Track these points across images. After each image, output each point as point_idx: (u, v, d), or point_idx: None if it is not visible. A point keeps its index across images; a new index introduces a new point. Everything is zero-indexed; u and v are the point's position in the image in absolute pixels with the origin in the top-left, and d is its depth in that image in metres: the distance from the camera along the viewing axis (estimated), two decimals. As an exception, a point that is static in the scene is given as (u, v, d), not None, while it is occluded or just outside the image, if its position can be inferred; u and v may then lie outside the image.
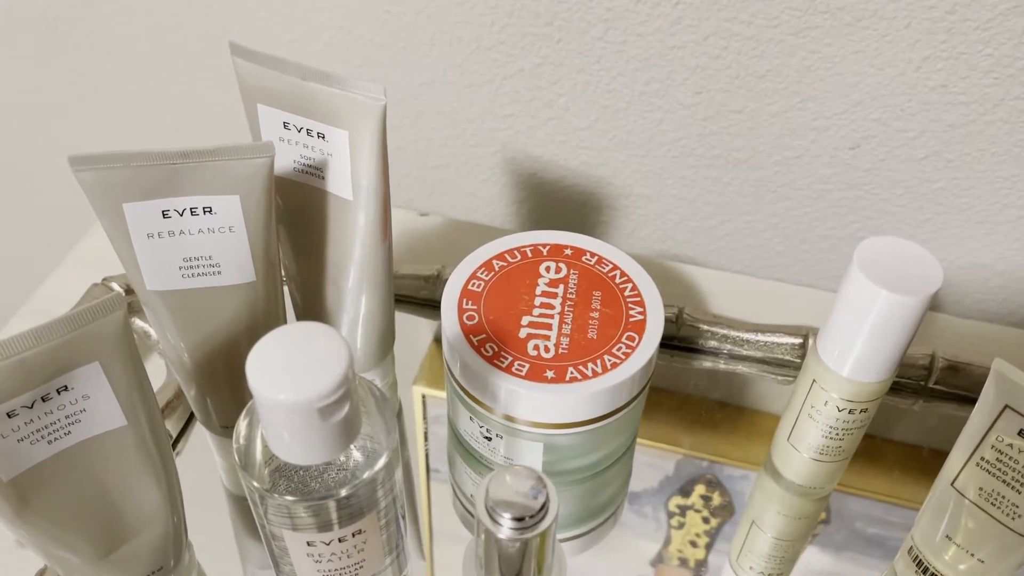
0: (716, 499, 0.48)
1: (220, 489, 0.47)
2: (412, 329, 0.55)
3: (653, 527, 0.47)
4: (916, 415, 0.51)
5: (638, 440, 0.48)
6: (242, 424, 0.31)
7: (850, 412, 0.39)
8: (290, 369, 0.28)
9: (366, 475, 0.32)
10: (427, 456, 0.50)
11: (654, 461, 0.50)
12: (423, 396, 0.53)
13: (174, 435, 0.47)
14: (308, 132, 0.37)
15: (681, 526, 0.47)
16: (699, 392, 0.53)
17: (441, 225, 0.63)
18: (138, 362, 0.32)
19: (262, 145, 0.34)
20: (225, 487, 0.47)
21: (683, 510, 0.48)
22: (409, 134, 0.62)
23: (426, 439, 0.51)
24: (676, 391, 0.53)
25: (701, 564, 0.46)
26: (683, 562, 0.46)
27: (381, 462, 0.32)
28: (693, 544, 0.46)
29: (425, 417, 0.52)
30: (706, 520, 0.47)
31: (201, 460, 0.47)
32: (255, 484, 0.31)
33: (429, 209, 0.67)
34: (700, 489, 0.49)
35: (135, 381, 0.32)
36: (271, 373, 0.28)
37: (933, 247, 0.58)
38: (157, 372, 0.50)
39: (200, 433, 0.47)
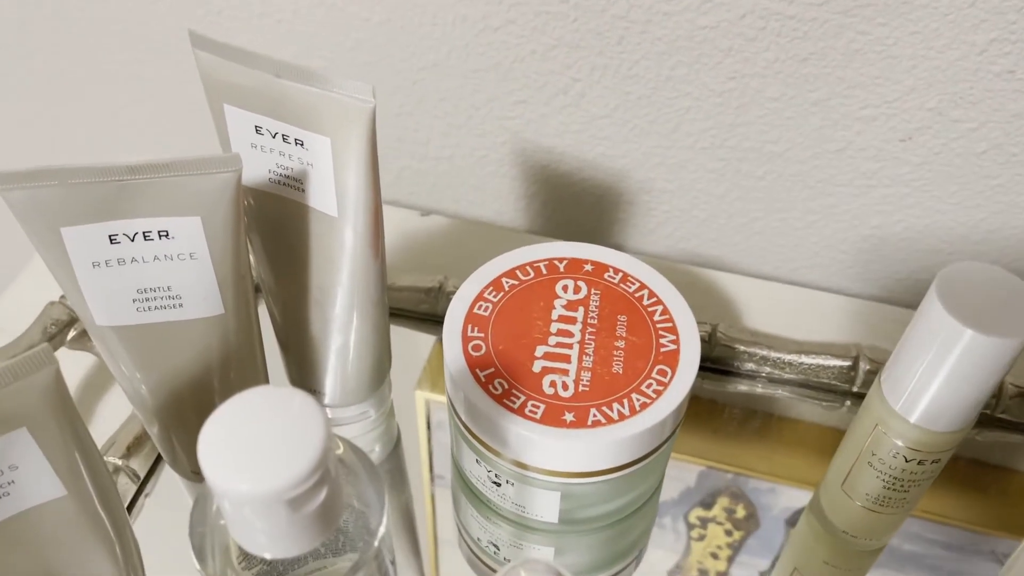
0: (740, 512, 0.44)
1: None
2: (411, 345, 0.50)
3: (672, 538, 0.43)
4: (978, 444, 0.46)
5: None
6: (196, 508, 0.26)
7: (919, 463, 0.34)
8: (253, 450, 0.22)
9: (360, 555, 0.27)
10: (431, 463, 0.46)
11: (674, 472, 0.46)
12: (427, 401, 0.48)
13: (143, 474, 0.42)
14: (284, 138, 0.32)
15: (702, 538, 0.43)
16: (722, 403, 0.48)
17: (444, 226, 0.57)
18: (76, 421, 0.27)
19: (227, 158, 0.29)
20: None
21: (704, 522, 0.44)
22: (408, 122, 0.57)
23: (430, 455, 0.46)
24: (698, 398, 0.48)
25: (722, 576, 0.42)
26: (703, 574, 0.42)
27: (371, 550, 0.27)
28: (714, 556, 0.42)
29: (429, 425, 0.47)
30: (728, 533, 0.43)
31: (175, 500, 0.42)
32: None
33: (430, 204, 0.61)
34: (723, 502, 0.45)
35: (74, 444, 0.27)
36: (229, 456, 0.22)
37: (987, 250, 0.53)
38: (125, 400, 0.44)
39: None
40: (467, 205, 0.61)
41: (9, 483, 0.26)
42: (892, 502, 0.36)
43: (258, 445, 0.22)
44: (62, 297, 0.48)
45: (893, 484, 0.35)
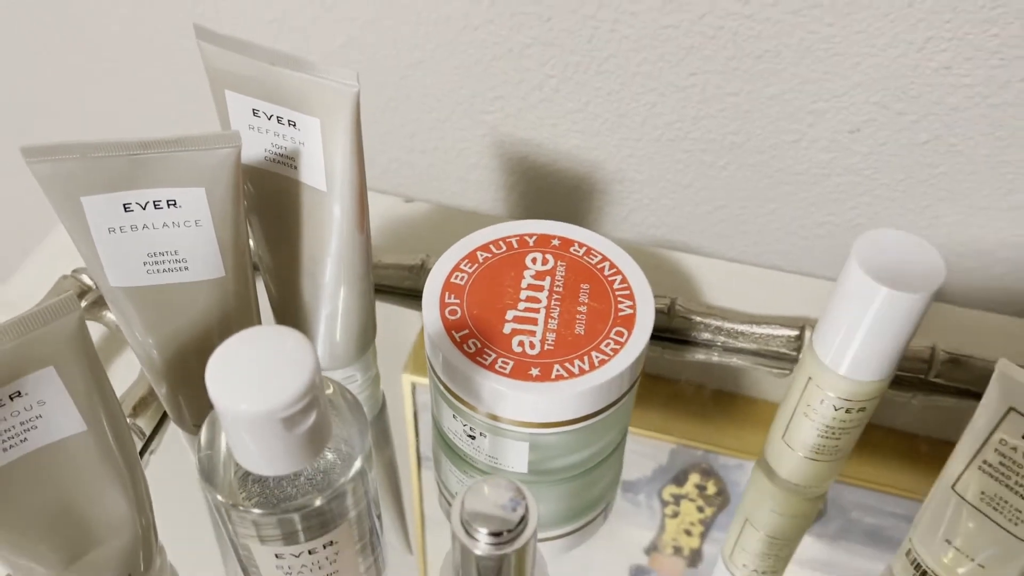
0: (711, 488, 0.47)
1: (197, 487, 0.45)
2: (396, 319, 0.54)
3: (647, 516, 0.46)
4: (915, 408, 0.49)
5: (631, 429, 0.47)
6: (205, 432, 0.30)
7: (847, 411, 0.38)
8: (252, 376, 0.26)
9: (340, 481, 0.30)
10: (417, 444, 0.49)
11: (647, 450, 0.48)
12: (412, 384, 0.51)
13: (148, 432, 0.46)
14: (279, 120, 0.36)
15: (675, 515, 0.46)
16: (692, 382, 0.51)
17: (427, 212, 0.61)
18: (96, 364, 0.31)
19: (228, 135, 0.33)
20: (202, 485, 0.45)
21: (677, 499, 0.47)
22: (395, 117, 0.60)
23: (417, 435, 0.49)
24: (669, 379, 0.52)
25: (696, 552, 0.45)
26: (677, 550, 0.45)
27: (354, 468, 0.30)
28: (688, 533, 0.45)
29: (415, 406, 0.50)
30: (700, 509, 0.46)
31: (178, 457, 0.46)
32: (219, 497, 0.29)
33: (416, 195, 0.65)
34: (695, 478, 0.48)
35: (94, 384, 0.31)
36: (232, 381, 0.26)
37: (934, 234, 0.56)
38: (131, 366, 0.48)
39: (177, 428, 0.46)
40: (450, 195, 0.64)
41: (38, 417, 0.30)
42: (827, 450, 0.40)
43: (257, 372, 0.26)
44: (74, 271, 0.51)
45: (826, 432, 0.39)
